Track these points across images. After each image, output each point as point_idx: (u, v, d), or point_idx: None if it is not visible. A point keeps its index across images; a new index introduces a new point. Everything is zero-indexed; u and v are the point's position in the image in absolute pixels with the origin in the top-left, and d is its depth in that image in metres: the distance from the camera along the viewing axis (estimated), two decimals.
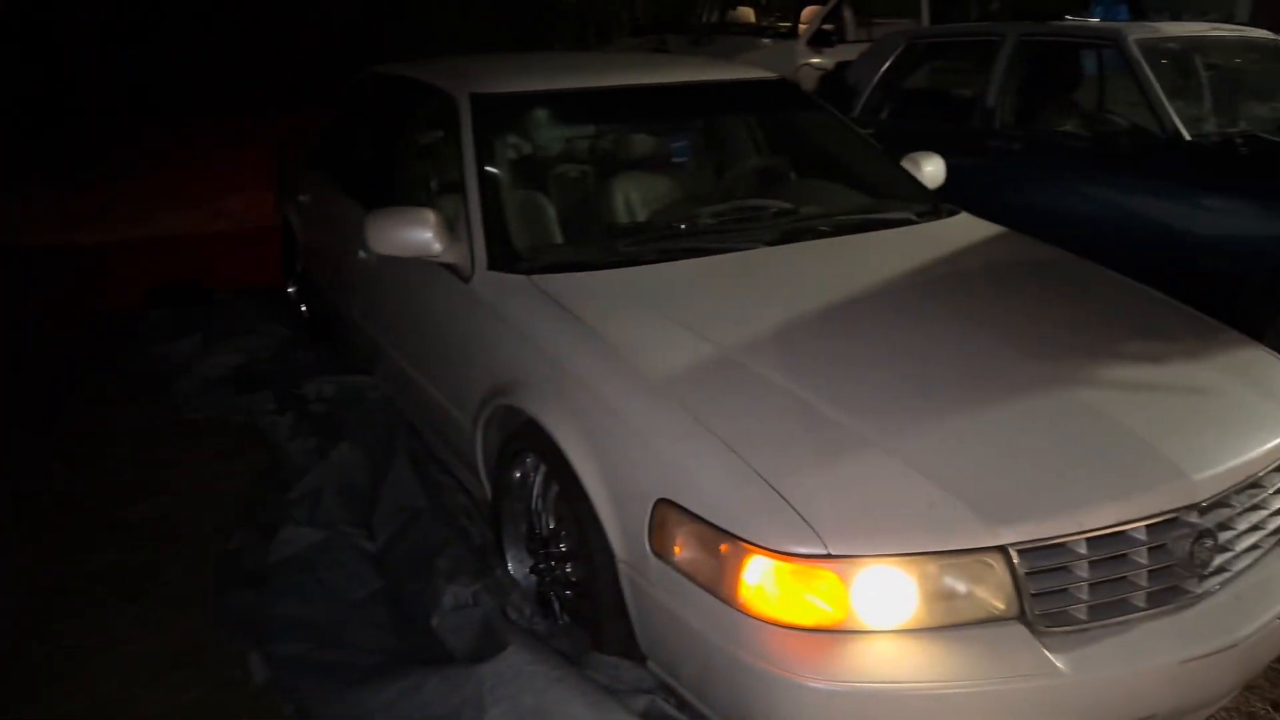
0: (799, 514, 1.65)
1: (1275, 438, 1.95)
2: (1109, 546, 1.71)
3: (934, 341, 2.17)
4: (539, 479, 2.26)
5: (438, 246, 2.55)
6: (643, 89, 3.14)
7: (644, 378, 2.01)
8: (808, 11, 9.50)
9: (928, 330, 2.23)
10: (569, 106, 3.04)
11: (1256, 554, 1.91)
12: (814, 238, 2.71)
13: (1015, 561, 1.65)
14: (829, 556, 1.61)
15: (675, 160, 3.26)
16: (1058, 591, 1.69)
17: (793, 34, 9.18)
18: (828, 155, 3.34)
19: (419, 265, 2.68)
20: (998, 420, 1.89)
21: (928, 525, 1.65)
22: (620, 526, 1.90)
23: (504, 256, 2.50)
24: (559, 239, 2.71)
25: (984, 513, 1.67)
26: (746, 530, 1.66)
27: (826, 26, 9.05)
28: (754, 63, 8.53)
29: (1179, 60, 4.24)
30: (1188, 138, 3.77)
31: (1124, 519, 1.71)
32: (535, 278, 2.42)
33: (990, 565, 1.65)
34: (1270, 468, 1.93)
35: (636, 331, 2.18)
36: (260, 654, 2.23)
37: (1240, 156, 3.67)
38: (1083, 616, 1.69)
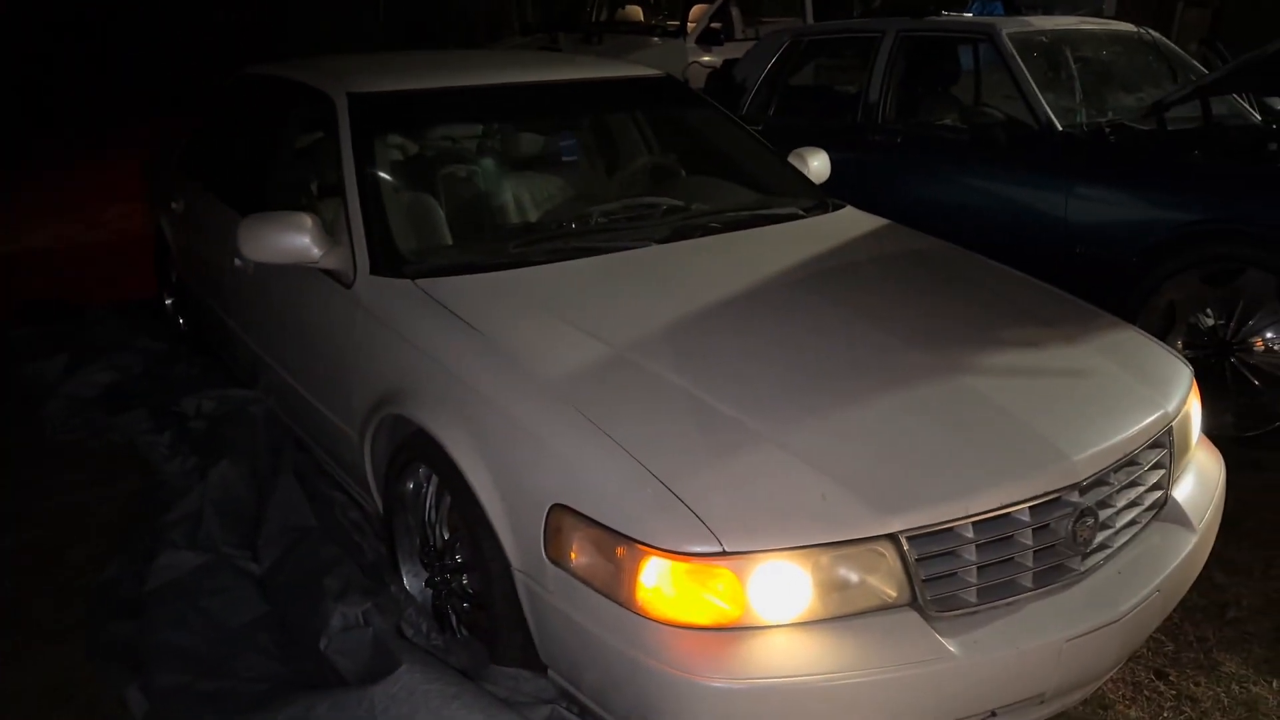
0: (694, 513, 1.63)
1: (1148, 416, 2.02)
2: (995, 529, 1.75)
3: (823, 334, 2.19)
4: (431, 489, 2.19)
5: (316, 252, 2.45)
6: (528, 87, 3.09)
7: (535, 380, 1.97)
8: (696, 10, 9.59)
9: (817, 323, 2.24)
10: (452, 105, 2.96)
11: (1135, 529, 1.98)
12: (704, 234, 2.70)
13: (905, 549, 1.67)
14: (724, 554, 1.60)
15: (565, 159, 3.21)
16: (947, 576, 1.72)
17: (681, 32, 9.24)
18: (716, 152, 3.35)
19: (298, 272, 2.57)
20: (886, 410, 1.91)
21: (820, 517, 1.66)
22: (515, 534, 1.85)
23: (387, 260, 2.42)
24: (445, 241, 2.64)
25: (874, 502, 1.68)
26: (642, 532, 1.64)
27: (714, 25, 9.15)
28: (643, 61, 8.57)
29: (1050, 53, 4.39)
30: (1060, 128, 3.91)
31: (1008, 501, 1.75)
32: (420, 282, 2.35)
33: (881, 554, 1.67)
34: (1145, 445, 2.00)
35: (527, 334, 2.14)
36: (138, 687, 2.11)
37: (1109, 145, 3.82)
38: (972, 599, 1.72)
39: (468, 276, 2.38)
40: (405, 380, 2.18)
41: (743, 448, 1.79)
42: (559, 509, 1.75)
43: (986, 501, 1.74)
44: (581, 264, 2.47)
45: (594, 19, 10.37)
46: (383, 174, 2.66)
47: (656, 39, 9.40)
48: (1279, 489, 3.15)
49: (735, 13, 9.63)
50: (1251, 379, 3.41)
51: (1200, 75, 4.34)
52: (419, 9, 13.41)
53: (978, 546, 1.73)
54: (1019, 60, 4.06)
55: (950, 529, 1.71)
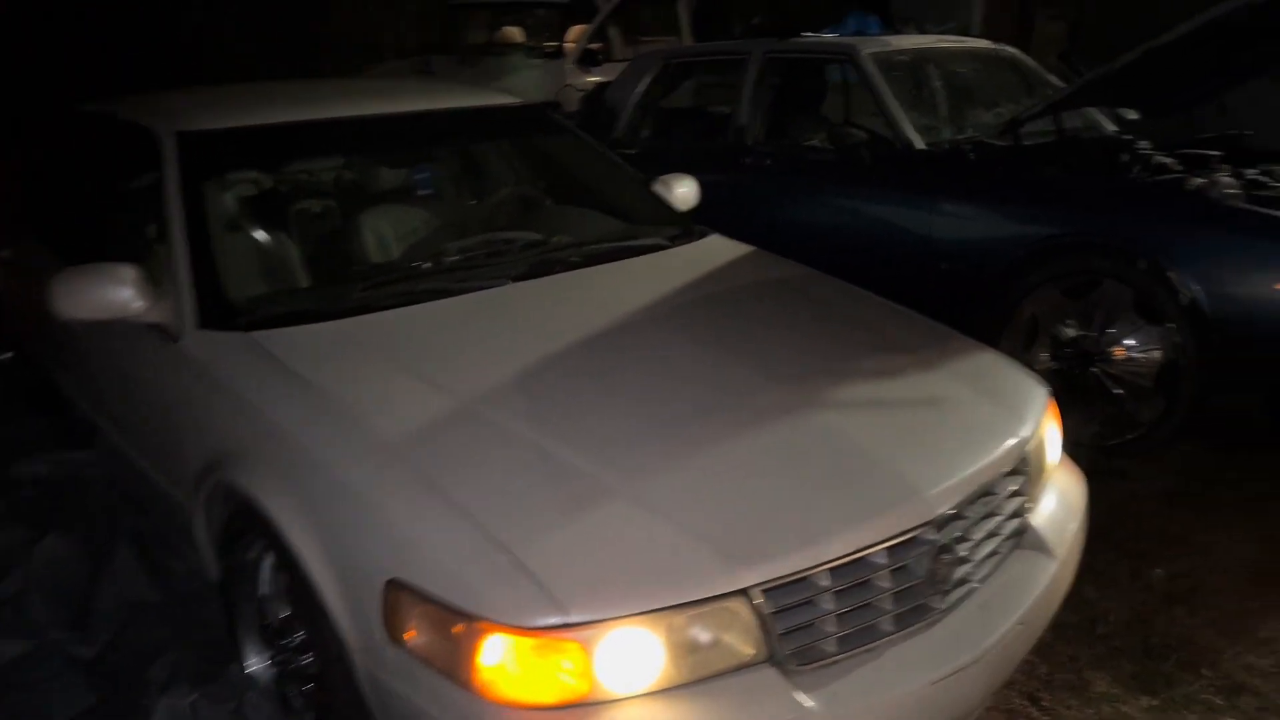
0: (538, 581, 1.53)
1: (1003, 443, 2.01)
2: (852, 574, 1.70)
3: (680, 374, 2.12)
4: (268, 563, 2.04)
5: (139, 305, 2.27)
6: (377, 119, 2.95)
7: (373, 441, 1.84)
8: (574, 31, 9.53)
9: (675, 362, 2.17)
10: (292, 141, 2.80)
11: (996, 560, 1.96)
12: (564, 269, 2.61)
13: (759, 603, 1.60)
14: (570, 625, 1.50)
15: (419, 194, 3.08)
16: (806, 627, 1.65)
17: (560, 54, 9.17)
18: (579, 182, 3.27)
19: (125, 326, 2.38)
20: (742, 454, 1.85)
21: (671, 576, 1.58)
22: (351, 613, 1.71)
23: (217, 312, 2.26)
24: (287, 288, 2.49)
25: (726, 555, 1.61)
26: (481, 606, 1.53)
27: (593, 46, 9.09)
28: (522, 83, 8.50)
29: (911, 71, 4.46)
30: (921, 147, 3.96)
31: (864, 544, 1.70)
32: (255, 334, 2.19)
33: (735, 610, 1.59)
34: (1001, 473, 1.98)
35: (366, 388, 2.00)
36: None
37: (969, 162, 3.89)
38: (833, 649, 1.66)
39: (307, 326, 2.23)
40: (233, 443, 2.03)
41: (593, 504, 1.70)
42: (395, 584, 1.62)
43: (841, 546, 1.68)
44: (431, 307, 2.35)
45: (471, 41, 10.20)
46: (215, 218, 2.49)
47: (536, 61, 9.31)
48: (1144, 497, 3.22)
49: (615, 34, 9.61)
50: (1114, 388, 3.49)
51: (1056, 90, 4.46)
52: (294, 35, 13.03)
53: (835, 594, 1.68)
54: (880, 80, 4.11)
55: (806, 578, 1.65)
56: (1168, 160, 3.92)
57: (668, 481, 1.75)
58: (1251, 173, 3.75)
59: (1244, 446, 3.49)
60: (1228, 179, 3.49)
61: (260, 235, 2.65)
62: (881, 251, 4.03)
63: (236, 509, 2.04)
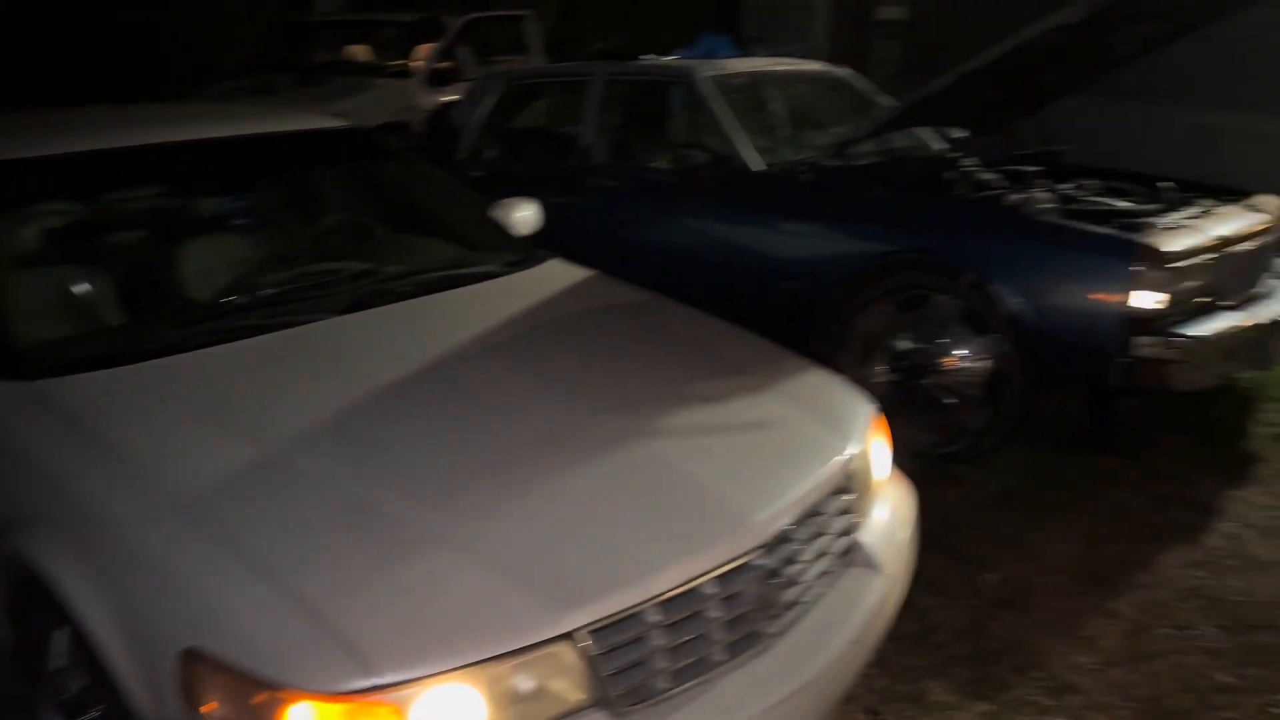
0: (346, 641, 1.44)
1: (830, 462, 2.03)
2: (682, 606, 1.67)
3: (512, 409, 2.06)
4: (63, 633, 1.86)
5: None
6: (191, 145, 2.79)
7: (170, 499, 1.70)
8: (422, 50, 9.35)
9: (506, 397, 2.11)
10: (95, 171, 2.61)
11: (827, 579, 1.98)
12: (392, 301, 2.51)
13: (586, 645, 1.55)
14: (381, 687, 1.42)
15: (237, 224, 2.92)
16: (636, 665, 1.62)
17: (408, 73, 8.98)
18: (413, 208, 3.18)
19: None
20: (571, 489, 1.81)
21: (491, 625, 1.52)
22: (147, 685, 1.58)
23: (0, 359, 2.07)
24: (84, 330, 2.31)
25: (551, 599, 1.56)
26: (283, 672, 1.42)
27: (442, 65, 8.95)
28: (369, 103, 8.27)
29: (748, 94, 4.54)
30: (759, 168, 4.03)
31: (693, 575, 1.68)
32: (44, 382, 2.01)
33: (561, 655, 1.54)
34: (828, 492, 2.00)
35: (165, 439, 1.86)
36: None
37: (804, 183, 3.98)
38: (665, 685, 1.64)
39: (105, 372, 2.07)
40: (18, 506, 1.85)
41: (411, 553, 1.62)
42: (192, 653, 1.50)
43: (670, 579, 1.66)
44: (244, 346, 2.21)
45: (314, 59, 9.89)
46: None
47: (383, 80, 9.08)
48: (978, 502, 3.35)
49: (464, 53, 9.48)
50: (946, 398, 3.62)
51: (885, 110, 4.63)
52: (131, 56, 12.37)
53: (666, 628, 1.65)
54: (716, 102, 4.17)
55: (634, 615, 1.62)
56: (990, 177, 4.12)
57: (492, 524, 1.69)
58: (1065, 187, 3.97)
59: (1068, 448, 3.68)
60: (1043, 194, 3.68)
61: (62, 272, 2.45)
62: (726, 272, 4.07)
63: (24, 577, 1.87)
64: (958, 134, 4.74)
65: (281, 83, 8.54)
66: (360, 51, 9.88)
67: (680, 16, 17.33)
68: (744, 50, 5.39)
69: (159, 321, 2.33)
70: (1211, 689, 2.41)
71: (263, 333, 2.27)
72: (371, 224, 3.13)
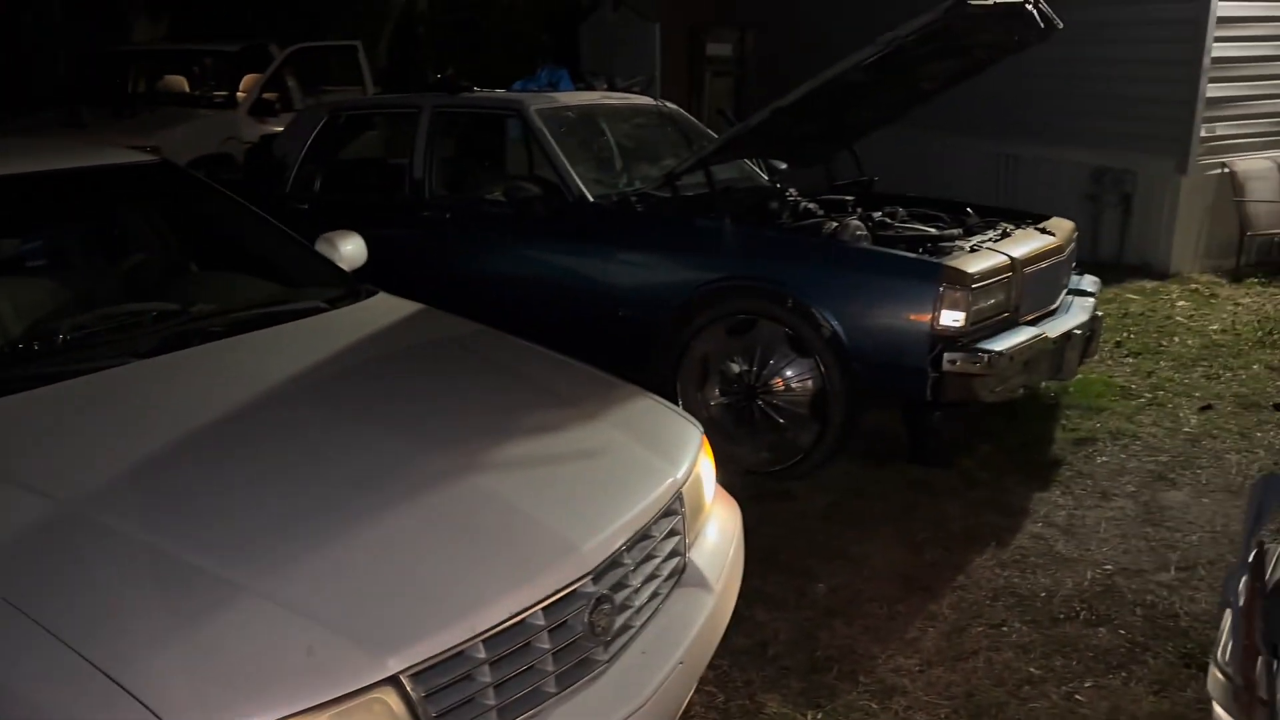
0: (141, 705, 1.35)
1: (658, 486, 2.06)
2: (509, 641, 1.66)
3: (330, 449, 2.00)
4: None
5: None
6: None
7: None
8: (247, 79, 9.05)
9: (324, 436, 2.05)
10: None
11: (656, 602, 2.01)
12: (204, 341, 2.41)
13: (410, 689, 1.52)
14: None
15: (31, 265, 2.74)
16: (465, 703, 1.59)
17: (231, 103, 8.66)
18: (227, 244, 3.06)
19: None
20: (391, 529, 1.77)
21: (306, 676, 1.45)
22: None
23: None
24: None
25: (370, 644, 1.51)
26: None
27: (269, 95, 8.67)
28: (189, 135, 7.93)
29: (580, 127, 4.61)
30: (591, 199, 4.08)
31: (519, 608, 1.67)
32: None
33: (384, 700, 1.50)
34: (657, 515, 2.03)
35: None
36: None
37: (636, 213, 4.06)
38: None
39: None
40: None
41: (218, 608, 1.54)
42: None
43: (495, 614, 1.64)
44: (37, 395, 2.07)
45: (129, 89, 9.40)
46: None
47: (204, 111, 8.73)
48: (809, 515, 3.47)
49: (292, 82, 9.22)
50: (776, 417, 3.74)
51: (712, 142, 4.78)
52: None
53: (492, 664, 1.63)
54: (547, 134, 4.21)
55: (459, 653, 1.59)
56: (810, 206, 4.32)
57: (307, 571, 1.63)
58: (877, 215, 4.21)
59: (889, 460, 3.87)
60: (856, 222, 3.89)
61: None
62: (562, 302, 4.11)
63: None
64: (781, 166, 4.96)
65: (93, 115, 8.06)
66: (179, 81, 9.47)
67: (520, 49, 17.43)
68: (583, 83, 5.47)
69: None
70: (1021, 681, 2.57)
71: (59, 380, 2.13)
72: (182, 262, 2.99)
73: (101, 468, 1.85)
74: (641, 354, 3.92)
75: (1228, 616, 1.15)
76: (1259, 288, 6.61)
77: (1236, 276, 6.88)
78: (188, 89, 9.40)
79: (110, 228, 3.06)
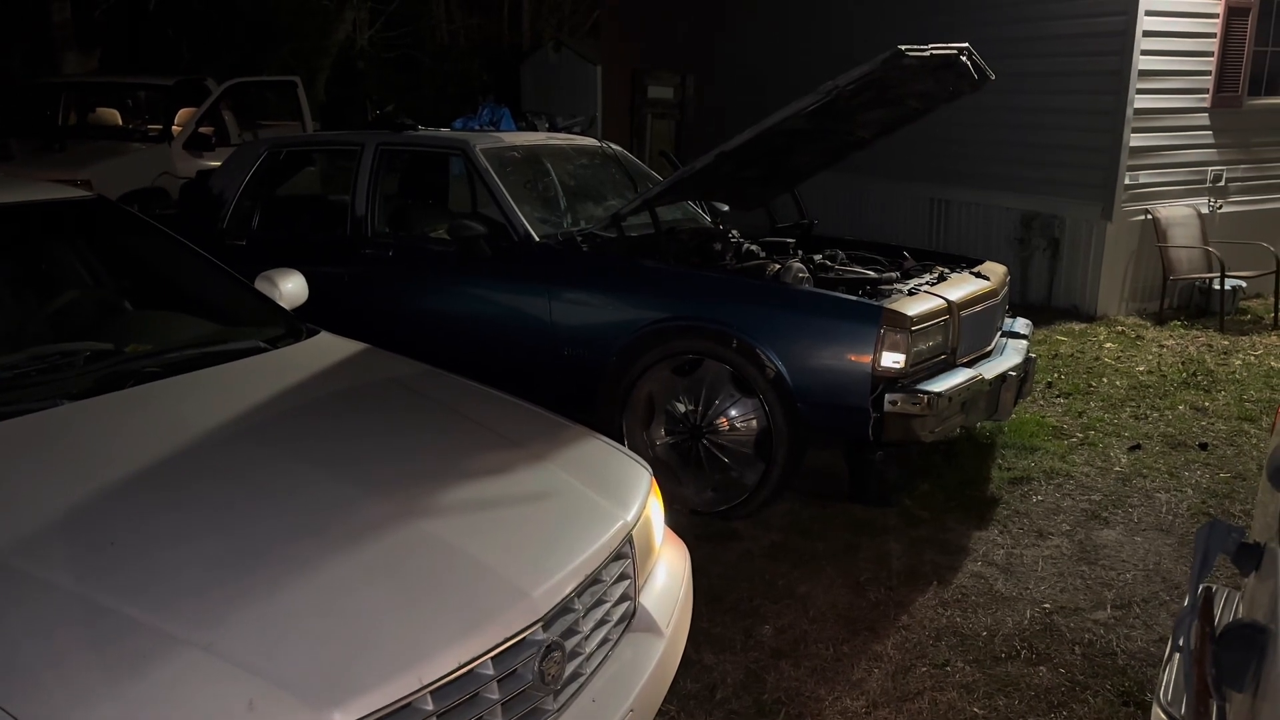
0: None
1: (608, 530, 2.05)
2: (457, 691, 1.62)
3: (269, 494, 1.95)
4: None
5: None
6: None
7: None
8: (182, 113, 8.92)
9: (263, 481, 1.99)
10: None
11: (607, 648, 1.98)
12: (139, 382, 2.34)
13: None
14: None
15: None
16: None
17: (166, 137, 8.51)
18: (163, 282, 2.99)
19: None
20: (333, 577, 1.72)
21: None
22: None
23: None
24: None
25: (312, 697, 1.47)
26: None
27: (204, 129, 8.55)
28: (120, 169, 7.77)
29: (524, 167, 4.62)
30: (537, 238, 4.08)
31: (468, 658, 1.64)
32: None
33: None
34: (607, 560, 2.02)
35: None
36: None
37: (581, 253, 4.07)
38: None
39: None
40: None
41: (151, 661, 1.48)
42: None
43: (443, 664, 1.60)
44: None
45: (59, 122, 9.18)
46: None
47: (137, 145, 8.56)
48: (755, 555, 3.48)
49: (229, 117, 9.11)
50: (722, 456, 3.76)
51: (656, 183, 4.83)
52: None
53: (440, 716, 1.59)
54: (493, 174, 4.21)
55: (407, 704, 1.55)
56: (754, 248, 4.38)
57: (246, 621, 1.58)
58: (818, 258, 4.28)
59: (832, 499, 3.90)
60: (799, 264, 3.95)
61: None
62: (507, 341, 4.08)
63: None
64: (723, 208, 5.03)
65: (22, 147, 7.86)
66: (111, 114, 9.29)
67: (461, 86, 17.47)
68: (524, 122, 5.48)
69: None
70: None
71: None
72: (116, 300, 2.91)
73: (30, 514, 1.78)
74: (587, 394, 3.91)
75: (1175, 659, 1.17)
76: (1182, 330, 6.85)
77: (1160, 319, 7.13)
78: (120, 122, 9.21)
79: (42, 264, 2.96)
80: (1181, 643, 1.09)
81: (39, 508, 1.80)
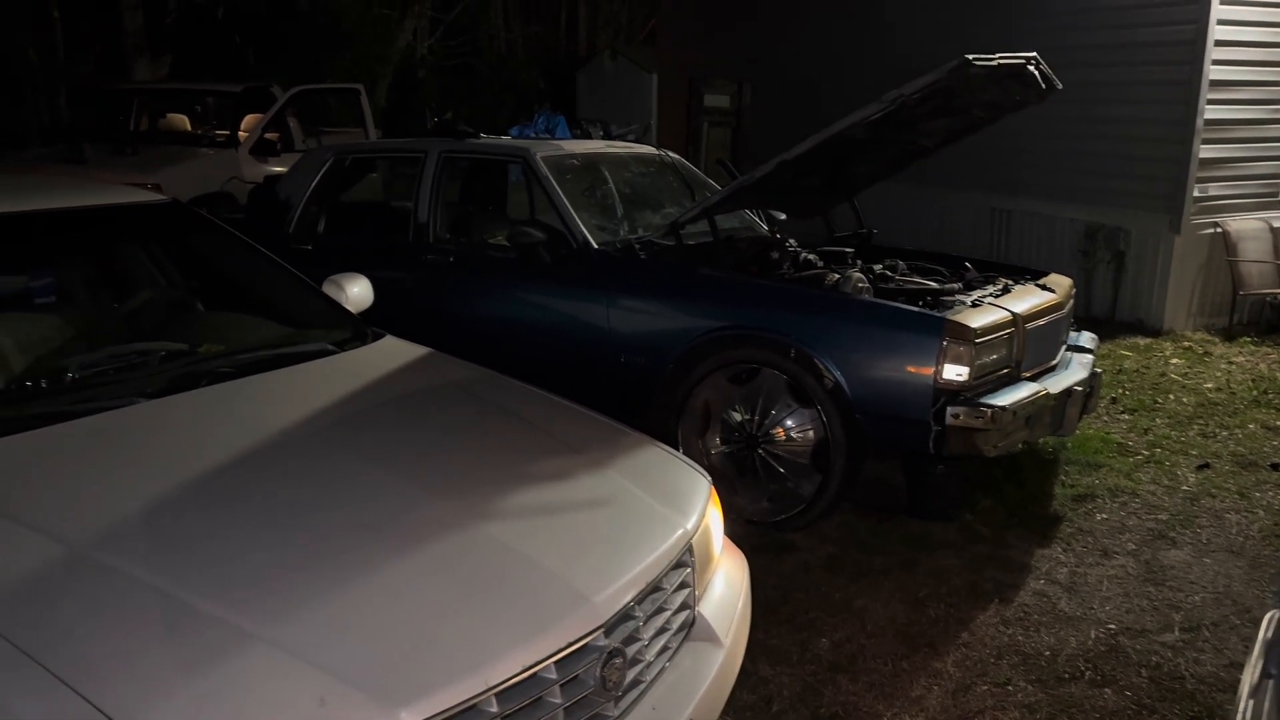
0: None
1: (669, 538, 2.05)
2: (521, 694, 1.63)
3: (338, 494, 1.98)
4: None
5: None
6: None
7: None
8: (248, 119, 9.12)
9: (332, 481, 2.03)
10: None
11: (666, 656, 1.98)
12: (212, 382, 2.39)
13: None
14: None
15: (38, 303, 2.72)
16: None
17: (233, 143, 8.71)
18: (234, 285, 3.06)
19: None
20: (401, 577, 1.74)
21: None
22: None
23: None
24: None
25: (381, 695, 1.48)
26: None
27: (270, 135, 8.74)
28: (189, 174, 7.96)
29: (583, 175, 4.64)
30: (595, 246, 4.10)
31: (532, 661, 1.64)
32: None
33: None
34: (667, 568, 2.01)
35: None
36: None
37: (640, 261, 4.08)
38: None
39: None
40: None
41: (225, 655, 1.51)
42: None
43: (508, 667, 1.61)
44: (41, 435, 2.05)
45: (131, 127, 9.45)
46: None
47: (204, 150, 8.78)
48: (811, 567, 3.45)
49: (294, 123, 9.30)
50: (777, 466, 3.73)
51: (714, 191, 4.83)
52: None
53: (504, 718, 1.60)
54: (553, 182, 4.24)
55: (472, 706, 1.56)
56: (812, 257, 4.35)
57: (316, 618, 1.61)
58: (878, 268, 4.24)
59: (890, 513, 3.85)
60: (858, 274, 3.91)
61: None
62: (564, 347, 4.11)
63: None
64: (780, 217, 5.00)
65: (94, 152, 8.11)
66: (180, 120, 9.54)
67: (517, 95, 17.63)
68: (579, 130, 5.51)
69: None
70: None
71: (66, 419, 2.11)
72: (190, 302, 2.98)
73: (108, 509, 1.82)
74: (642, 400, 3.91)
75: (1268, 686, 1.13)
76: (1251, 347, 6.66)
77: (1229, 335, 6.94)
78: (189, 128, 9.45)
79: (118, 266, 3.05)
80: (1274, 670, 1.05)
81: (117, 502, 1.85)
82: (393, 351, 2.84)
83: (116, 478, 1.94)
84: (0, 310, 2.62)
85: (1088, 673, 2.85)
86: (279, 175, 5.63)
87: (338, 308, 2.99)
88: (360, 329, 2.89)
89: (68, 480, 1.92)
